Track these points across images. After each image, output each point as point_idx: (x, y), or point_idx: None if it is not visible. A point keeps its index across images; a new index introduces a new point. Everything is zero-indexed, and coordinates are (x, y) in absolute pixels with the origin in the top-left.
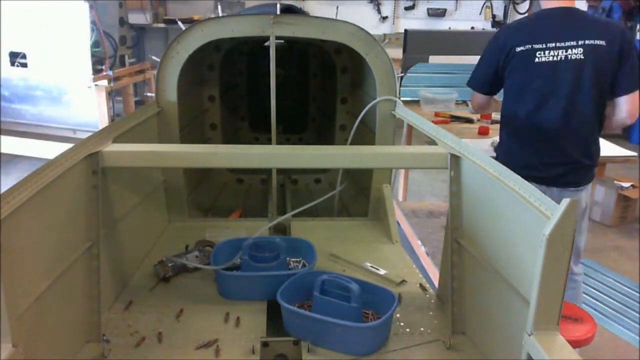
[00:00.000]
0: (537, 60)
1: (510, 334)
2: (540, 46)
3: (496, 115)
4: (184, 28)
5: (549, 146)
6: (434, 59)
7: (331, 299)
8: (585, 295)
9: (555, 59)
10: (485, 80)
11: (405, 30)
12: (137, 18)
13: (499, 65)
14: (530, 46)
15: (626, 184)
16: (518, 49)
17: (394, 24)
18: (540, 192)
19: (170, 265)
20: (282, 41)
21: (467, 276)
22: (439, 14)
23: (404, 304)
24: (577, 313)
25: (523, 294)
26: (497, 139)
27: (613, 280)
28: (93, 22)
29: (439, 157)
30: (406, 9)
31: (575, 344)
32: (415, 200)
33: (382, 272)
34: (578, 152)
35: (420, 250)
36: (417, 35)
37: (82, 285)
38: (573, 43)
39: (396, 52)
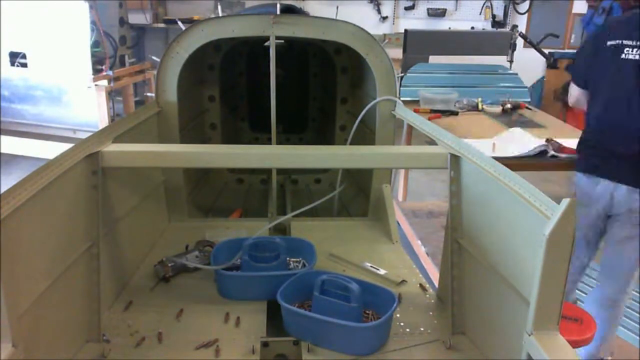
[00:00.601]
0: (623, 56)
1: (510, 334)
2: (630, 43)
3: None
4: (184, 28)
5: (620, 141)
6: (433, 59)
7: (331, 299)
8: (585, 295)
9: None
10: (582, 73)
11: (405, 30)
12: (137, 18)
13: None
14: (620, 42)
15: None
16: (609, 43)
17: (394, 24)
18: (541, 192)
19: (170, 265)
20: (282, 41)
21: (467, 276)
22: (439, 14)
23: (404, 304)
24: (577, 313)
25: (523, 294)
26: (496, 140)
27: None
28: (93, 22)
29: (439, 157)
30: (406, 9)
31: (575, 344)
32: (415, 200)
33: (382, 272)
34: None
35: (421, 250)
36: (417, 35)
37: (82, 285)
38: None
39: (396, 52)
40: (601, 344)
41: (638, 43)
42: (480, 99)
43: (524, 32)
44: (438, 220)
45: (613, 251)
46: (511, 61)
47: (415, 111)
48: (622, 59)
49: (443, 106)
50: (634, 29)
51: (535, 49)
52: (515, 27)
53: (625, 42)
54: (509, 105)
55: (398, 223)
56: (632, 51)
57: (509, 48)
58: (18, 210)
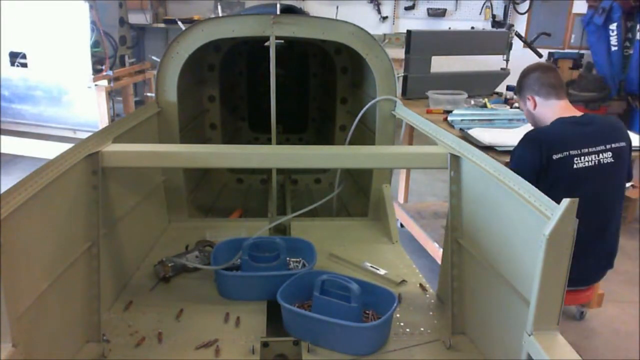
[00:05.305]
0: (575, 166)
1: (510, 334)
2: (576, 152)
3: None
4: (184, 28)
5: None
6: (435, 59)
7: (331, 299)
8: None
9: (590, 164)
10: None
11: (408, 31)
12: (137, 18)
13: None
14: (567, 153)
15: (626, 184)
16: (555, 157)
17: (394, 24)
18: (541, 192)
19: (170, 265)
20: (282, 41)
21: (467, 276)
22: (439, 14)
23: (404, 304)
24: None
25: (523, 294)
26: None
27: None
28: (93, 22)
29: (439, 157)
30: (406, 9)
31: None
32: (415, 200)
33: (382, 272)
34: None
35: (438, 253)
36: (421, 35)
37: (82, 285)
38: (602, 147)
39: (396, 52)
40: None
41: (582, 151)
42: (487, 99)
43: (524, 32)
44: (444, 221)
45: None
46: (507, 60)
47: (428, 112)
48: (575, 168)
49: (452, 107)
50: (567, 138)
51: (530, 47)
52: (511, 26)
53: (572, 152)
54: (516, 105)
55: (402, 225)
56: (580, 159)
57: (506, 47)
58: (18, 210)
